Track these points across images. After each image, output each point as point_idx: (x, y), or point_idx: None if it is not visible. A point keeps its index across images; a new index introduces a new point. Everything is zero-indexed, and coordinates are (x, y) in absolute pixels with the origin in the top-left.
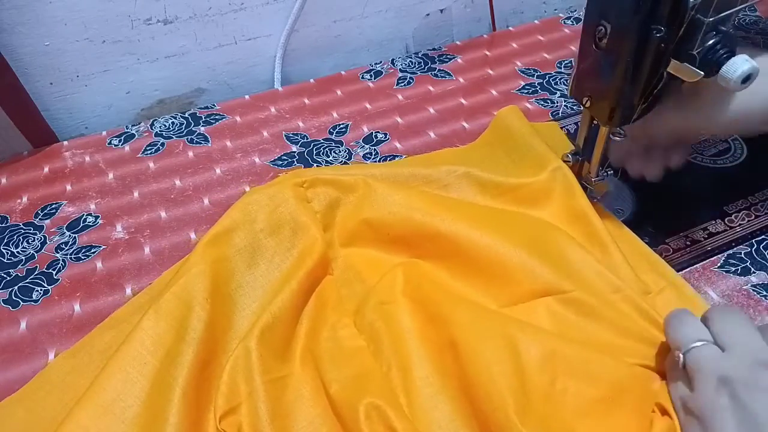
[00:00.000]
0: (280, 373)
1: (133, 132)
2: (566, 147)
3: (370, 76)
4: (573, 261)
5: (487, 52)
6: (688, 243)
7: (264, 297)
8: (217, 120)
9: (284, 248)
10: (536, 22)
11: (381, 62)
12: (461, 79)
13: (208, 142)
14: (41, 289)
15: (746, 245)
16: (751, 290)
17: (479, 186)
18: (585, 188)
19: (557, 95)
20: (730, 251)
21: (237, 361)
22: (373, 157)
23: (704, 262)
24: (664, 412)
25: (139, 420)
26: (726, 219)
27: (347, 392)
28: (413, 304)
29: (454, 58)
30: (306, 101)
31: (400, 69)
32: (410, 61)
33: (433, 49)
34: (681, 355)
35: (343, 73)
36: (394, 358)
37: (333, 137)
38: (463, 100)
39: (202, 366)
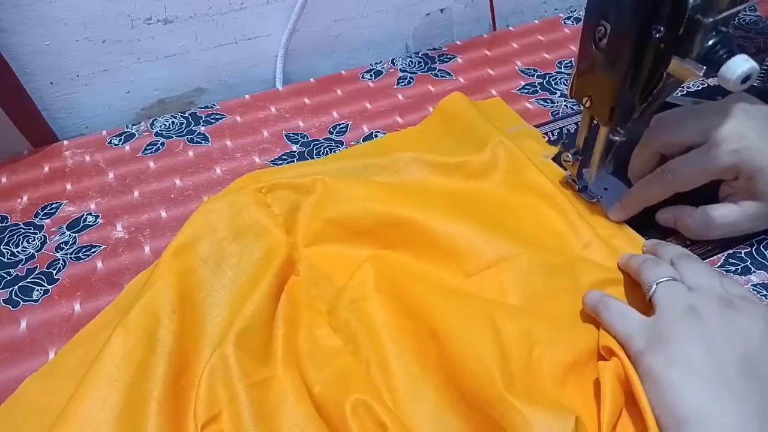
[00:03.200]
0: (262, 376)
1: (133, 131)
2: (513, 119)
3: (371, 75)
4: (530, 225)
5: (487, 52)
6: (688, 242)
7: (233, 303)
8: (217, 119)
9: (249, 253)
10: (536, 21)
11: (381, 62)
12: (461, 79)
13: (209, 141)
14: (41, 289)
15: (746, 245)
16: (751, 289)
17: (429, 167)
18: (585, 187)
19: (557, 95)
20: (731, 251)
21: (214, 369)
22: None
23: (705, 261)
24: (610, 353)
25: None
26: None
27: (331, 392)
28: (387, 298)
29: (454, 57)
30: (306, 101)
31: (400, 69)
32: (410, 60)
33: (434, 49)
34: (654, 286)
35: (343, 72)
36: (372, 355)
37: (333, 137)
38: None
39: (176, 378)
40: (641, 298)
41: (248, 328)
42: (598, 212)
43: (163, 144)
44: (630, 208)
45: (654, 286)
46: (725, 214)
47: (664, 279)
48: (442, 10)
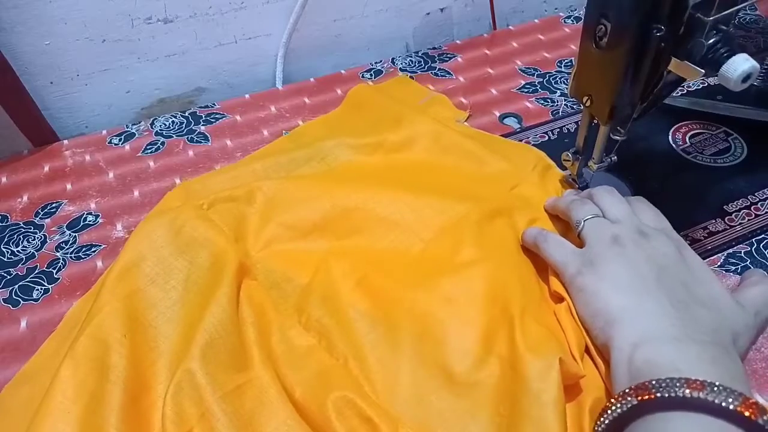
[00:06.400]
0: (235, 384)
1: (133, 131)
2: (420, 92)
3: (371, 75)
4: (463, 181)
5: (488, 51)
6: (688, 242)
7: (187, 317)
8: (217, 119)
9: (197, 265)
10: (536, 21)
11: (381, 61)
12: (461, 78)
13: (208, 141)
14: (41, 288)
15: (746, 244)
16: None
17: (351, 149)
18: (586, 186)
19: (557, 94)
20: (730, 250)
21: (180, 386)
22: None
23: (704, 260)
24: (560, 297)
25: None
26: (726, 218)
27: (312, 392)
28: (355, 290)
29: (454, 57)
30: (306, 100)
31: (400, 68)
32: (410, 60)
33: (434, 48)
34: (582, 223)
35: (343, 72)
36: (348, 349)
37: None
38: (463, 99)
39: (134, 402)
40: (566, 230)
41: (213, 340)
42: None
43: (163, 143)
44: None
45: (582, 223)
46: None
47: (590, 216)
48: (442, 10)
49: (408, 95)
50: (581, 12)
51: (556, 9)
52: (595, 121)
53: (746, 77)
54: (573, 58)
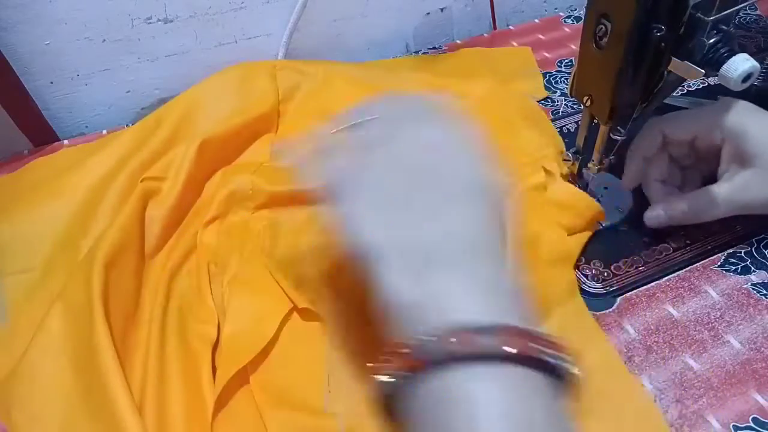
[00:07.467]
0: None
1: None
2: (527, 65)
3: None
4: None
5: None
6: (688, 242)
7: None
8: None
9: (245, 99)
10: (536, 21)
11: None
12: None
13: None
14: None
15: (746, 244)
16: (751, 289)
17: (421, 82)
18: (586, 186)
19: (557, 94)
20: (730, 250)
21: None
22: None
23: (704, 260)
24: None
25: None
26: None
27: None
28: None
29: None
30: None
31: None
32: None
33: (434, 48)
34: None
35: None
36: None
37: None
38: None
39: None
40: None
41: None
42: None
43: None
44: (630, 174)
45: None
46: (720, 187)
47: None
48: (442, 10)
49: (510, 63)
50: (581, 12)
51: (556, 9)
52: (595, 121)
53: (747, 77)
54: (573, 58)
